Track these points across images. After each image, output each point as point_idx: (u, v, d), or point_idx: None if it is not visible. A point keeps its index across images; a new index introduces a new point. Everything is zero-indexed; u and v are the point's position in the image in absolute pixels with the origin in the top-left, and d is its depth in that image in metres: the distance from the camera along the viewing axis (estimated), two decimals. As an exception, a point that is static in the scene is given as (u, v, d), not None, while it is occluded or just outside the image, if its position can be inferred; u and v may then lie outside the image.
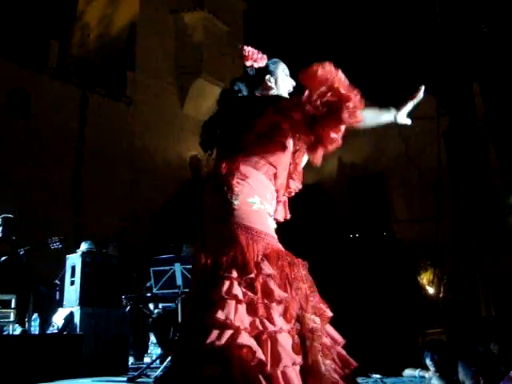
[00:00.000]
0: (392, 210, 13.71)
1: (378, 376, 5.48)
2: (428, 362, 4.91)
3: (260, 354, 2.22)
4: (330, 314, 2.53)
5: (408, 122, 2.66)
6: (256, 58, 2.79)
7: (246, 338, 2.23)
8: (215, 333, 2.26)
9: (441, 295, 10.00)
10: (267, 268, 2.39)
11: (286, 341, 2.30)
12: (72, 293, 5.89)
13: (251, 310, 2.31)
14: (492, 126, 8.58)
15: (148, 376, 5.25)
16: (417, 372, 5.27)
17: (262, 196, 2.62)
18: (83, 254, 6.04)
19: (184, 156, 16.39)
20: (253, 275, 2.36)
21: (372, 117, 2.61)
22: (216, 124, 2.82)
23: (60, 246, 6.21)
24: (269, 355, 2.24)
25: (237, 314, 2.26)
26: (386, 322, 6.92)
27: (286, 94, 2.82)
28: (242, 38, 19.38)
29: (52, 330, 5.86)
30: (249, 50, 2.80)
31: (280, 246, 2.56)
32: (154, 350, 7.64)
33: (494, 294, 8.21)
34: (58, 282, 6.82)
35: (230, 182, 2.57)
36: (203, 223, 2.67)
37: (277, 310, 2.33)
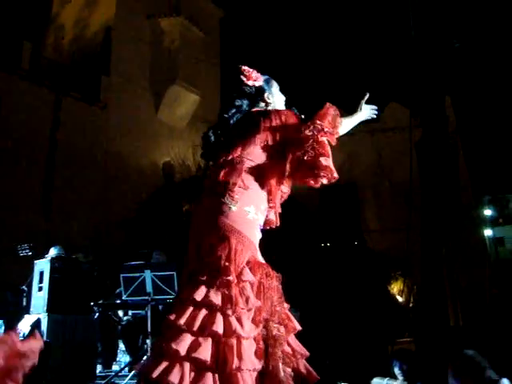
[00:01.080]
0: (363, 220, 13.82)
1: (347, 385, 5.49)
2: (396, 371, 4.93)
3: (206, 356, 2.32)
4: (298, 327, 2.66)
5: (373, 112, 2.97)
6: (255, 78, 2.99)
7: (203, 347, 2.34)
8: (174, 338, 2.36)
9: (410, 305, 10.09)
10: (248, 275, 2.54)
11: (249, 346, 2.42)
12: (39, 299, 5.78)
13: (213, 312, 2.41)
14: (463, 138, 8.72)
15: (116, 384, 5.18)
16: (385, 381, 5.29)
17: (257, 207, 2.77)
18: (52, 260, 5.93)
19: (157, 162, 16.31)
20: (230, 278, 2.49)
21: (348, 124, 2.90)
22: (219, 134, 3.00)
23: (30, 253, 6.11)
24: (229, 358, 2.34)
25: (195, 319, 2.39)
26: (356, 330, 6.96)
27: (282, 106, 3.06)
28: (218, 46, 19.41)
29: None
30: (248, 70, 2.99)
31: (260, 257, 2.70)
32: (123, 358, 7.54)
33: (463, 303, 8.31)
34: (26, 288, 6.70)
35: (231, 188, 2.71)
36: (194, 224, 2.79)
37: (247, 316, 2.46)
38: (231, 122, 2.97)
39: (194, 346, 2.36)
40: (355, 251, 9.28)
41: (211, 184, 2.83)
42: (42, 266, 5.94)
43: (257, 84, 3.01)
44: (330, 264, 8.10)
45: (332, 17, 14.35)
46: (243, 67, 3.00)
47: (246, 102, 2.97)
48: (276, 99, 3.07)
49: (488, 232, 10.61)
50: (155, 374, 2.32)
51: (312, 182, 2.84)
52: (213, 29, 19.26)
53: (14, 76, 12.95)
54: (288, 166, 2.81)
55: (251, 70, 3.02)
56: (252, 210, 2.76)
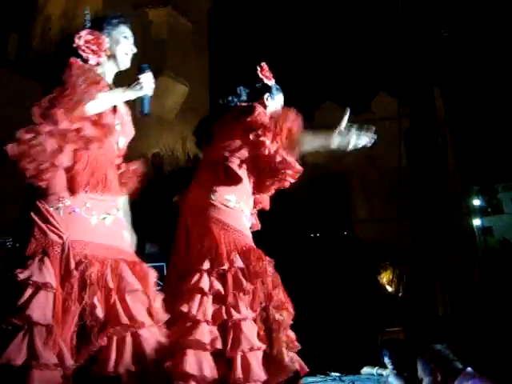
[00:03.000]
0: (353, 210, 13.83)
1: (337, 374, 5.52)
2: (386, 360, 4.97)
3: (218, 343, 2.50)
4: (292, 311, 2.82)
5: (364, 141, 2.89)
6: (269, 77, 3.09)
7: (201, 331, 2.49)
8: (192, 328, 2.49)
9: (400, 294, 10.14)
10: (238, 261, 2.67)
11: (249, 328, 2.57)
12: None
13: (218, 299, 2.59)
14: (452, 129, 8.74)
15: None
16: (375, 370, 5.34)
17: (239, 195, 2.86)
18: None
19: (146, 153, 16.21)
20: (225, 267, 2.63)
21: (309, 142, 2.91)
22: (211, 121, 3.12)
23: (17, 245, 6.05)
24: (230, 341, 2.52)
25: (200, 307, 2.54)
26: (346, 320, 6.98)
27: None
28: (207, 36, 19.28)
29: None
30: (266, 67, 3.11)
31: (251, 243, 2.85)
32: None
33: (451, 293, 8.36)
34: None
35: (210, 178, 2.86)
36: (182, 216, 2.91)
37: (243, 300, 2.60)
38: (229, 106, 3.05)
39: (211, 335, 2.52)
40: (344, 241, 9.29)
41: (196, 176, 2.92)
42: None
43: (266, 82, 3.09)
44: (319, 254, 8.11)
45: (320, 7, 14.32)
46: (264, 64, 3.10)
47: (247, 92, 3.06)
48: (275, 106, 3.15)
49: (477, 222, 10.66)
50: (188, 367, 2.37)
51: (280, 183, 2.89)
52: (201, 19, 19.14)
53: (1, 67, 12.81)
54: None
55: (268, 70, 3.12)
56: (233, 198, 2.82)
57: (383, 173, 12.73)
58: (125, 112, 2.68)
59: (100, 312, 2.14)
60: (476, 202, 10.82)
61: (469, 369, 3.62)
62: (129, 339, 2.14)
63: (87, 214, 2.32)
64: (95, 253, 2.24)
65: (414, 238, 8.54)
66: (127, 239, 2.52)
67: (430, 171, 8.40)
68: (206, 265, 2.65)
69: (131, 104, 2.71)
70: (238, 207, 2.86)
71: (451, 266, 8.79)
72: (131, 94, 2.59)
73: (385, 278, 11.75)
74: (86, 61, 2.45)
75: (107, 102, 2.49)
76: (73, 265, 2.15)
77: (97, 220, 2.35)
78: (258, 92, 3.10)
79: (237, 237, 2.77)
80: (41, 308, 2.07)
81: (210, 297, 2.59)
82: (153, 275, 2.39)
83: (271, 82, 3.15)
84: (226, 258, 2.67)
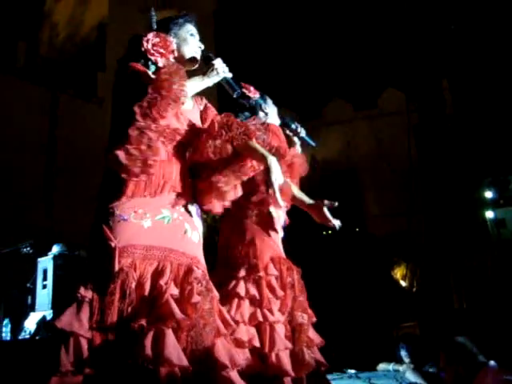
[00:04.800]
0: (364, 206, 13.82)
1: (353, 371, 5.53)
2: (403, 353, 4.98)
3: (255, 341, 2.79)
4: (313, 318, 3.11)
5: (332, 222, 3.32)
6: (254, 92, 3.35)
7: (241, 330, 2.77)
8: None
9: (414, 289, 10.11)
10: (272, 270, 2.99)
11: (280, 329, 2.90)
12: (44, 296, 5.81)
13: (254, 303, 2.89)
14: (461, 121, 8.70)
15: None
16: (391, 366, 5.34)
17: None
18: (55, 257, 5.96)
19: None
20: (261, 274, 2.93)
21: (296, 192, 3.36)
22: None
23: (31, 251, 6.12)
24: (267, 340, 2.82)
25: (238, 309, 2.84)
26: (361, 317, 6.98)
27: (276, 117, 3.49)
28: (212, 39, 19.32)
29: (24, 335, 5.76)
30: (248, 86, 3.34)
31: (282, 253, 3.15)
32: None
33: (466, 286, 8.33)
34: (31, 286, 6.72)
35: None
36: (223, 223, 3.19)
37: (276, 304, 2.94)
38: None
39: (249, 334, 2.80)
40: (357, 238, 9.28)
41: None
42: (46, 263, 5.98)
43: (254, 97, 3.35)
44: (332, 252, 8.10)
45: (327, 3, 14.29)
46: (246, 85, 3.33)
47: (247, 114, 3.27)
48: (271, 110, 3.46)
49: (489, 214, 10.58)
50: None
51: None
52: (206, 21, 19.17)
53: (10, 75, 12.93)
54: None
55: (252, 87, 3.38)
56: (272, 209, 3.11)
57: (394, 167, 12.69)
58: None
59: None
60: (488, 194, 10.73)
61: (492, 362, 3.63)
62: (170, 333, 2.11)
63: (137, 219, 2.32)
64: (145, 255, 2.23)
65: (428, 232, 8.52)
66: (191, 238, 2.42)
67: (440, 164, 8.38)
68: (242, 272, 2.95)
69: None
70: (276, 216, 3.17)
71: (465, 258, 8.76)
72: (209, 81, 2.60)
73: (398, 273, 11.72)
74: (155, 63, 2.49)
75: (190, 93, 2.54)
76: (115, 271, 2.13)
77: (151, 222, 2.32)
78: (255, 108, 3.37)
79: (272, 247, 3.08)
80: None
81: (247, 301, 2.89)
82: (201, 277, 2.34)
83: (257, 95, 3.41)
84: (262, 266, 2.96)
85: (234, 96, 2.64)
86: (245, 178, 2.49)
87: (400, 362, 5.12)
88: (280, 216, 3.22)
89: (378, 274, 8.67)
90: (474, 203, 10.17)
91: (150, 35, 2.56)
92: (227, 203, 2.51)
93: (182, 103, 2.44)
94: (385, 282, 9.20)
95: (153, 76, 2.39)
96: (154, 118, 2.30)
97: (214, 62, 2.55)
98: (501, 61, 10.33)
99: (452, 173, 8.53)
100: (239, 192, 2.51)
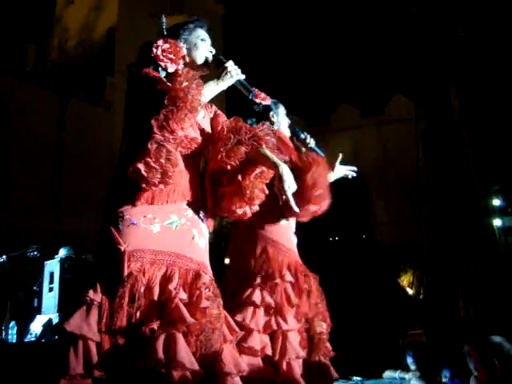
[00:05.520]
0: (372, 213, 13.79)
1: (359, 378, 5.50)
2: (409, 360, 4.96)
3: (268, 349, 2.79)
4: (330, 323, 3.12)
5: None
6: (264, 98, 3.10)
7: (254, 339, 2.76)
8: (247, 337, 2.72)
9: (421, 297, 10.07)
10: (288, 277, 2.96)
11: (294, 338, 2.87)
12: (50, 299, 5.81)
13: (269, 311, 2.87)
14: (469, 128, 8.68)
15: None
16: (397, 374, 5.30)
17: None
18: (62, 260, 5.97)
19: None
20: (277, 281, 2.91)
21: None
22: None
23: (38, 254, 6.13)
24: (278, 348, 2.81)
25: (253, 317, 2.81)
26: (367, 324, 6.95)
27: (286, 127, 3.50)
28: (221, 43, 19.38)
29: (30, 337, 5.77)
30: (258, 91, 3.11)
31: (299, 260, 3.13)
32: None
33: (473, 294, 8.29)
34: (38, 289, 6.72)
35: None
36: (234, 230, 3.18)
37: (291, 312, 2.90)
38: None
39: (262, 343, 2.79)
40: (364, 244, 9.26)
41: None
42: (52, 266, 5.98)
43: (264, 103, 3.13)
44: (339, 258, 8.08)
45: (336, 10, 14.31)
46: (255, 89, 3.07)
47: (253, 121, 3.23)
48: (281, 120, 3.45)
49: (497, 222, 10.54)
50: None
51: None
52: (215, 26, 19.24)
53: (19, 79, 12.99)
54: None
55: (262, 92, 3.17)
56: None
57: (401, 174, 12.67)
58: None
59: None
60: (496, 202, 10.68)
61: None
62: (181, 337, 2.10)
63: (146, 224, 2.32)
64: (154, 259, 2.22)
65: (433, 239, 8.48)
66: (199, 244, 2.41)
67: (448, 172, 8.35)
68: (258, 280, 2.92)
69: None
70: (288, 224, 3.15)
71: (472, 266, 8.71)
72: (224, 85, 2.60)
73: (405, 280, 11.68)
74: (165, 70, 2.47)
75: (206, 100, 2.55)
76: (124, 275, 2.13)
77: (160, 227, 2.32)
78: (263, 114, 3.33)
79: (286, 255, 3.05)
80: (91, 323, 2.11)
81: (262, 309, 2.86)
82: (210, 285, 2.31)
83: (269, 101, 3.31)
84: (278, 274, 2.93)
85: (250, 97, 2.62)
86: (267, 181, 2.49)
87: (406, 369, 5.09)
88: (292, 222, 3.20)
89: (385, 281, 8.64)
90: (482, 211, 10.12)
91: (160, 41, 2.54)
92: (256, 207, 2.50)
93: (198, 112, 2.42)
94: (391, 289, 9.17)
95: (165, 81, 2.35)
96: (171, 130, 2.26)
97: (226, 64, 2.54)
98: (509, 68, 10.31)
99: (460, 180, 8.49)
100: (264, 195, 2.50)
